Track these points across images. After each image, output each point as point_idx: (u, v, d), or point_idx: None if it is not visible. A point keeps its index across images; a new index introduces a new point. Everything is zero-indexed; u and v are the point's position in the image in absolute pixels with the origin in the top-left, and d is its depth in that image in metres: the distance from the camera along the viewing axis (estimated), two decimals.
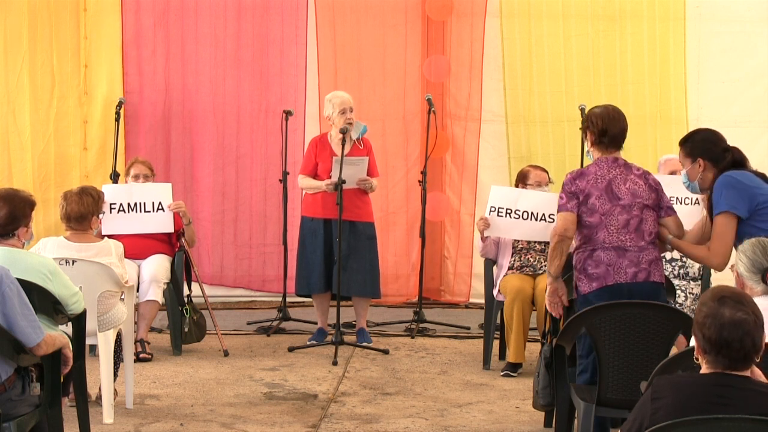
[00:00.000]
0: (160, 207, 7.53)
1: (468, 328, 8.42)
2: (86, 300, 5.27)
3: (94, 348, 6.39)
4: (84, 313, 5.12)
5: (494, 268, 7.36)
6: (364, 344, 7.75)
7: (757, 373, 3.27)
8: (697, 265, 6.86)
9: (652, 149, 8.94)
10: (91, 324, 5.51)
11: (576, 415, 5.06)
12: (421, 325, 8.37)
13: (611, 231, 5.14)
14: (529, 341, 7.12)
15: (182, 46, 9.13)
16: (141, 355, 7.15)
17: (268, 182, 9.10)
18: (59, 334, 4.68)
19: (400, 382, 6.90)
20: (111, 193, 7.49)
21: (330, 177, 7.64)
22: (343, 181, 7.51)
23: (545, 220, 7.01)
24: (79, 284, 5.22)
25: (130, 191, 7.58)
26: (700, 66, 9.03)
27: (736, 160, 5.18)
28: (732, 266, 4.33)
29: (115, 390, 6.09)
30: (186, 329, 7.50)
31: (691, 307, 6.65)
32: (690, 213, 6.49)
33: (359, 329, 7.93)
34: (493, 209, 7.14)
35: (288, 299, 8.52)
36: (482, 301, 7.71)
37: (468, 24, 9.15)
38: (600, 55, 9.10)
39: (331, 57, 9.16)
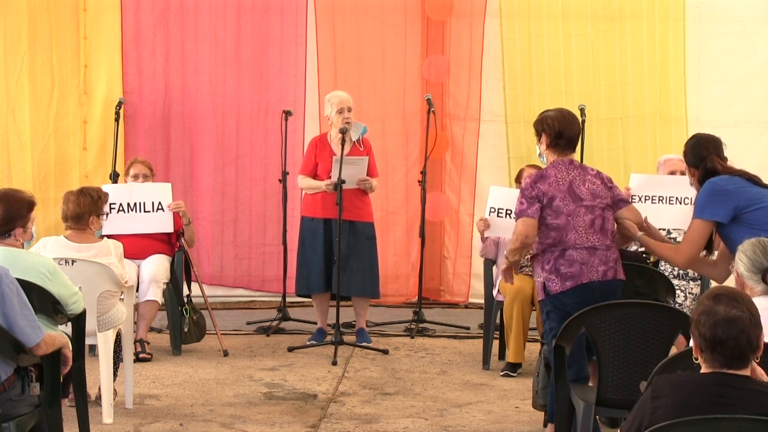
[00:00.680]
0: (159, 207, 7.53)
1: (467, 328, 8.42)
2: (86, 300, 5.27)
3: (93, 348, 6.38)
4: (83, 313, 5.12)
5: (494, 268, 7.35)
6: (364, 344, 7.75)
7: (759, 373, 3.27)
8: None
9: (652, 149, 8.94)
10: (90, 324, 5.51)
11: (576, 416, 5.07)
12: (421, 325, 8.37)
13: (580, 232, 5.23)
14: (528, 341, 7.12)
15: (182, 46, 9.13)
16: (140, 355, 7.15)
17: (267, 182, 9.10)
18: (59, 334, 4.68)
19: (399, 382, 6.90)
20: (111, 193, 7.43)
21: (330, 177, 7.64)
22: (343, 181, 7.51)
23: None
24: (78, 284, 5.23)
25: (129, 191, 7.58)
26: (699, 66, 9.03)
27: (708, 169, 5.23)
28: (731, 266, 4.34)
29: (115, 390, 6.09)
30: (185, 329, 7.50)
31: (691, 307, 6.65)
32: (689, 213, 6.49)
33: (359, 329, 7.93)
34: (492, 210, 7.15)
35: (288, 299, 8.52)
36: (482, 301, 7.71)
37: (467, 24, 9.15)
38: (600, 55, 9.10)
39: (331, 57, 9.16)
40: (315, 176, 7.80)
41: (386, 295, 8.82)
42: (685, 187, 5.91)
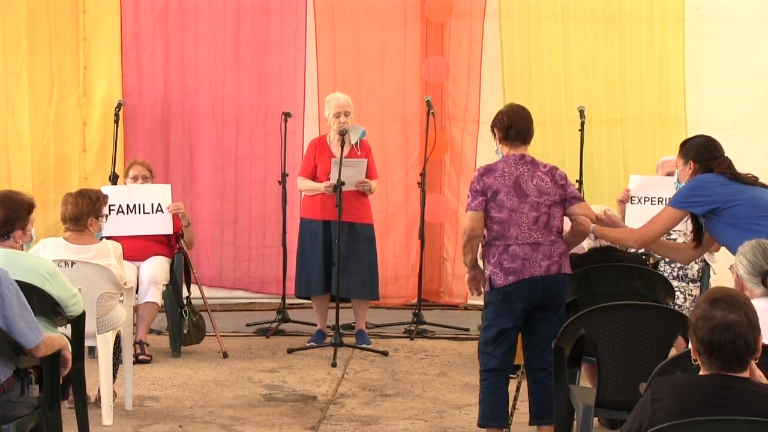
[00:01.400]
0: (159, 208, 7.54)
1: (467, 330, 8.41)
2: (85, 302, 5.27)
3: (93, 350, 6.37)
4: (83, 315, 5.13)
5: None
6: (363, 346, 7.75)
7: (758, 374, 3.27)
8: (696, 267, 6.87)
9: (651, 150, 8.94)
10: (90, 326, 5.51)
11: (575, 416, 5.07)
12: (420, 327, 8.37)
13: (523, 228, 5.31)
14: None
15: (181, 47, 9.13)
16: (140, 357, 7.15)
17: (267, 184, 9.10)
18: (58, 336, 4.68)
19: (399, 383, 6.90)
20: (110, 194, 7.43)
21: (329, 179, 7.64)
22: (342, 183, 7.51)
23: None
24: (78, 286, 5.23)
25: (129, 193, 7.58)
26: (699, 67, 9.02)
27: (724, 172, 5.26)
28: (731, 267, 4.34)
29: (115, 392, 6.10)
30: (185, 331, 7.50)
31: (690, 308, 6.64)
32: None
33: (358, 331, 7.93)
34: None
35: (287, 301, 8.52)
36: (481, 302, 7.68)
37: (467, 25, 9.15)
38: (599, 56, 9.10)
39: (330, 58, 9.16)
40: (314, 178, 7.80)
41: (386, 296, 8.82)
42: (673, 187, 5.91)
